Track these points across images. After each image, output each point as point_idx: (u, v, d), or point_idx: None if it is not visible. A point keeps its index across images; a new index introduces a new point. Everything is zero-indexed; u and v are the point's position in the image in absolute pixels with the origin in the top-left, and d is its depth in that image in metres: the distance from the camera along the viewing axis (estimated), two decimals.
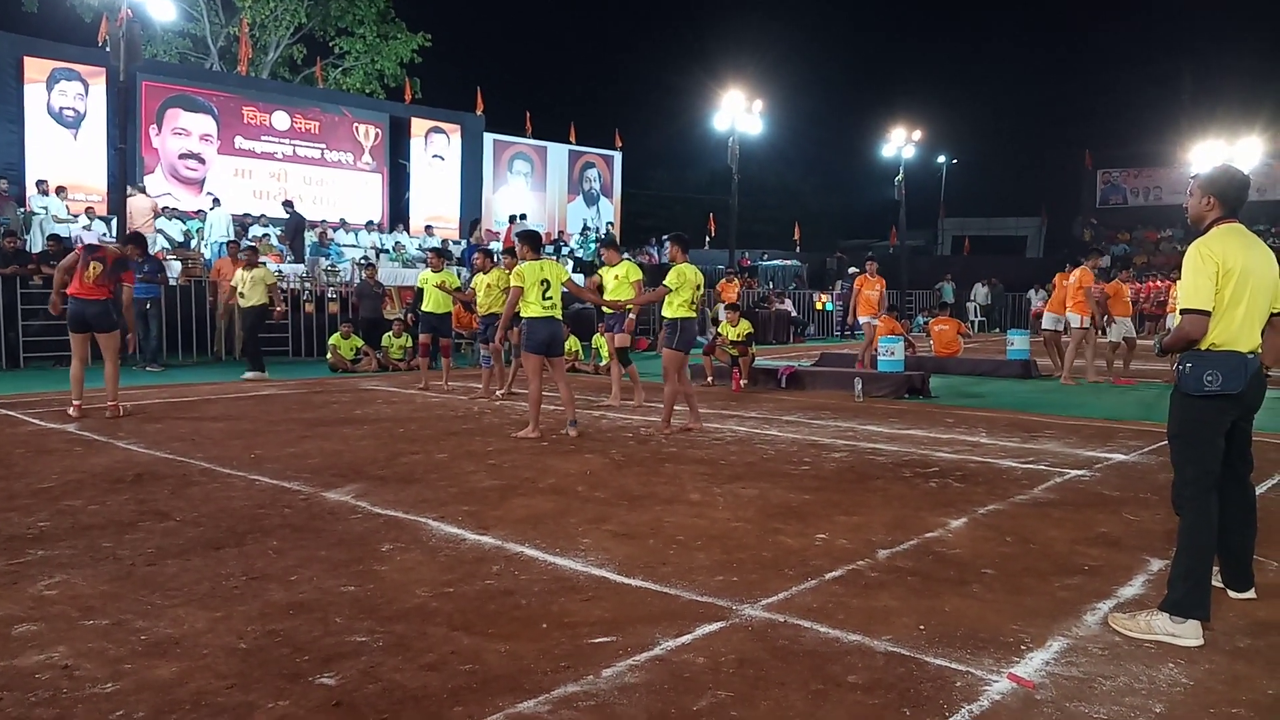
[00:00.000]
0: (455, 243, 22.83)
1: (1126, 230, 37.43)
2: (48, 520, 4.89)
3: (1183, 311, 3.46)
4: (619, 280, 9.90)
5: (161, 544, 4.46)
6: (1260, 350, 3.53)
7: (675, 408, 8.28)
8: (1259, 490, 5.80)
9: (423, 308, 11.76)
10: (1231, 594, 3.78)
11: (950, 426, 8.56)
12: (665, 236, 8.88)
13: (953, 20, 60.58)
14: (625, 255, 10.88)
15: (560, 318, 7.99)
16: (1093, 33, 56.16)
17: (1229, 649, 3.30)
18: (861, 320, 14.32)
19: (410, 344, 13.93)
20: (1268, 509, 5.36)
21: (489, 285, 10.74)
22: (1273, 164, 33.89)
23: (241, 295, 12.71)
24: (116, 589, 3.80)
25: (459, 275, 15.98)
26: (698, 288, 8.33)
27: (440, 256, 12.43)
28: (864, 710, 2.79)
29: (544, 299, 7.79)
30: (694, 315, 8.30)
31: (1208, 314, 3.40)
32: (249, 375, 12.40)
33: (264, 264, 13.44)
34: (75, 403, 8.59)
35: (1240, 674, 3.09)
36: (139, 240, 14.09)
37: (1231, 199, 3.58)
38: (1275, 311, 3.61)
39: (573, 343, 14.95)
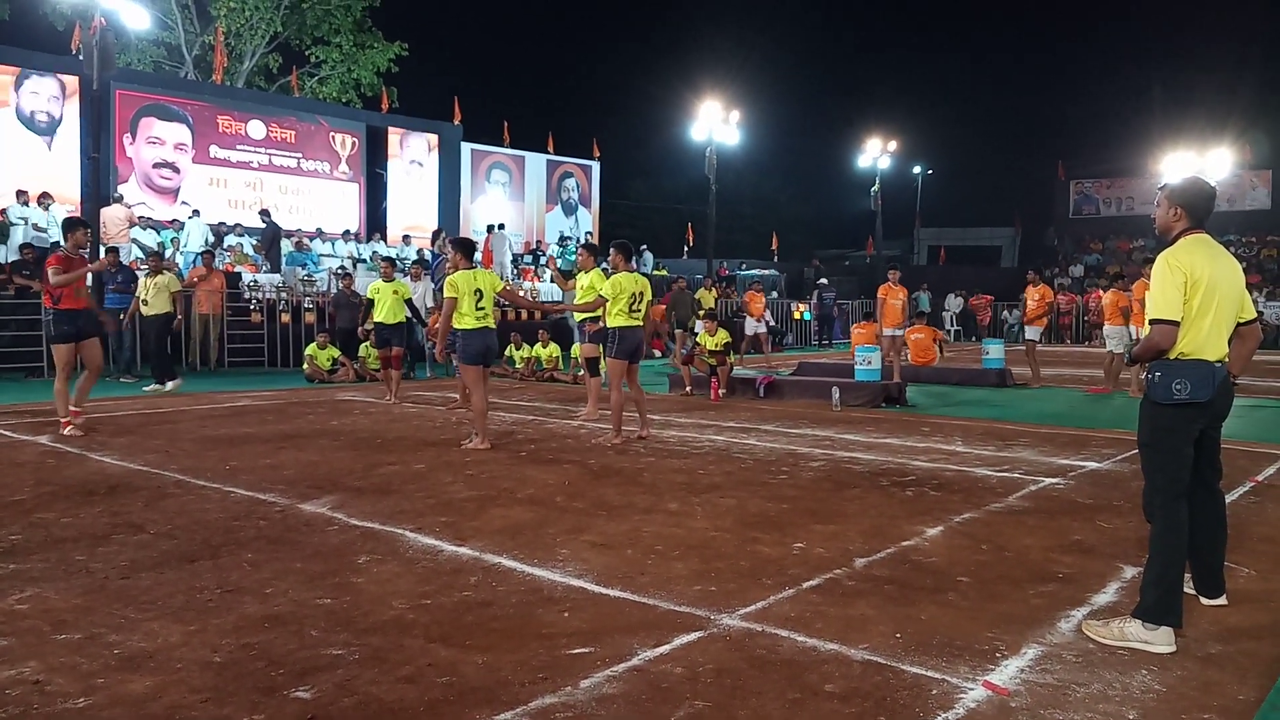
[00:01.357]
0: (431, 252, 22.74)
1: (1099, 240, 37.85)
2: (19, 533, 4.83)
3: (1152, 322, 3.50)
4: (584, 289, 9.82)
5: (135, 557, 4.42)
6: (1227, 359, 3.59)
7: (624, 414, 8.25)
8: (1229, 498, 5.87)
9: (375, 318, 11.37)
10: (1203, 600, 3.83)
11: (927, 435, 8.61)
12: (611, 242, 8.76)
13: (928, 33, 61.23)
14: (603, 264, 10.52)
15: (493, 327, 7.98)
16: (1066, 46, 56.92)
17: (1201, 655, 3.34)
18: (886, 333, 13.74)
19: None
20: (1238, 516, 5.43)
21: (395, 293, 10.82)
22: (1242, 174, 34.43)
23: (145, 303, 12.42)
24: (89, 602, 3.76)
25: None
26: (637, 295, 8.21)
27: (392, 265, 12.09)
28: (841, 719, 2.80)
29: (477, 309, 7.75)
30: (636, 324, 8.20)
31: (1176, 324, 3.45)
32: (157, 388, 11.90)
33: (168, 271, 13.12)
34: (74, 410, 8.31)
35: (1212, 680, 3.13)
36: (113, 251, 14.03)
37: (1199, 210, 3.63)
38: (1241, 321, 3.67)
39: (553, 350, 14.97)
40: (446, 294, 7.77)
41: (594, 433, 8.71)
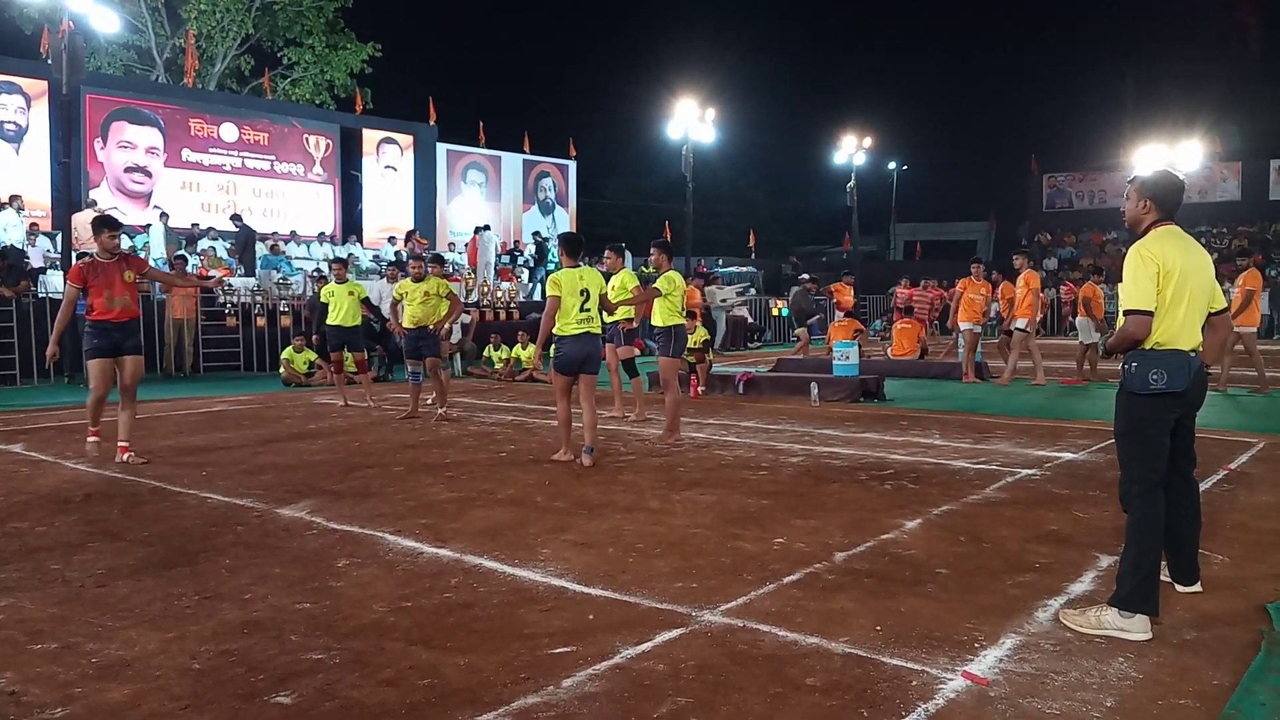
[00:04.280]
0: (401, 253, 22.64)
1: (1072, 233, 38.14)
2: None
3: (1126, 313, 3.54)
4: (614, 290, 9.09)
5: (112, 565, 4.38)
6: (1200, 349, 3.63)
7: (648, 417, 8.28)
8: (1203, 486, 5.93)
9: (330, 321, 10.81)
10: (1179, 588, 3.87)
11: (904, 429, 8.66)
12: (652, 243, 8.60)
13: (900, 29, 61.53)
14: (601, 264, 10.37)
15: (598, 333, 7.19)
16: (1037, 41, 57.33)
17: (1176, 642, 3.38)
18: (963, 326, 13.45)
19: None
20: (1212, 504, 5.50)
21: (426, 294, 9.66)
22: (1213, 166, 34.78)
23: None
24: (66, 611, 3.73)
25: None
26: (684, 295, 8.30)
27: (344, 266, 11.71)
28: (822, 712, 2.81)
29: (581, 311, 6.99)
30: (684, 322, 8.30)
31: (1150, 314, 3.49)
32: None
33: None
34: (96, 427, 7.39)
35: (1188, 666, 3.17)
36: (85, 258, 13.86)
37: (1169, 202, 3.67)
38: (1213, 311, 3.71)
39: (532, 350, 14.91)
40: (550, 292, 6.99)
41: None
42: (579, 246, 7.43)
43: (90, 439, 7.31)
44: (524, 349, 14.88)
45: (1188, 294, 3.53)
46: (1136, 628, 3.38)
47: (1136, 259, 3.54)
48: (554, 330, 7.00)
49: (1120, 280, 3.65)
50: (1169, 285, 3.50)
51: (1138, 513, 3.54)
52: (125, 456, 7.08)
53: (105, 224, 7.25)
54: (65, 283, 7.25)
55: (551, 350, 7.21)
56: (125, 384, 7.19)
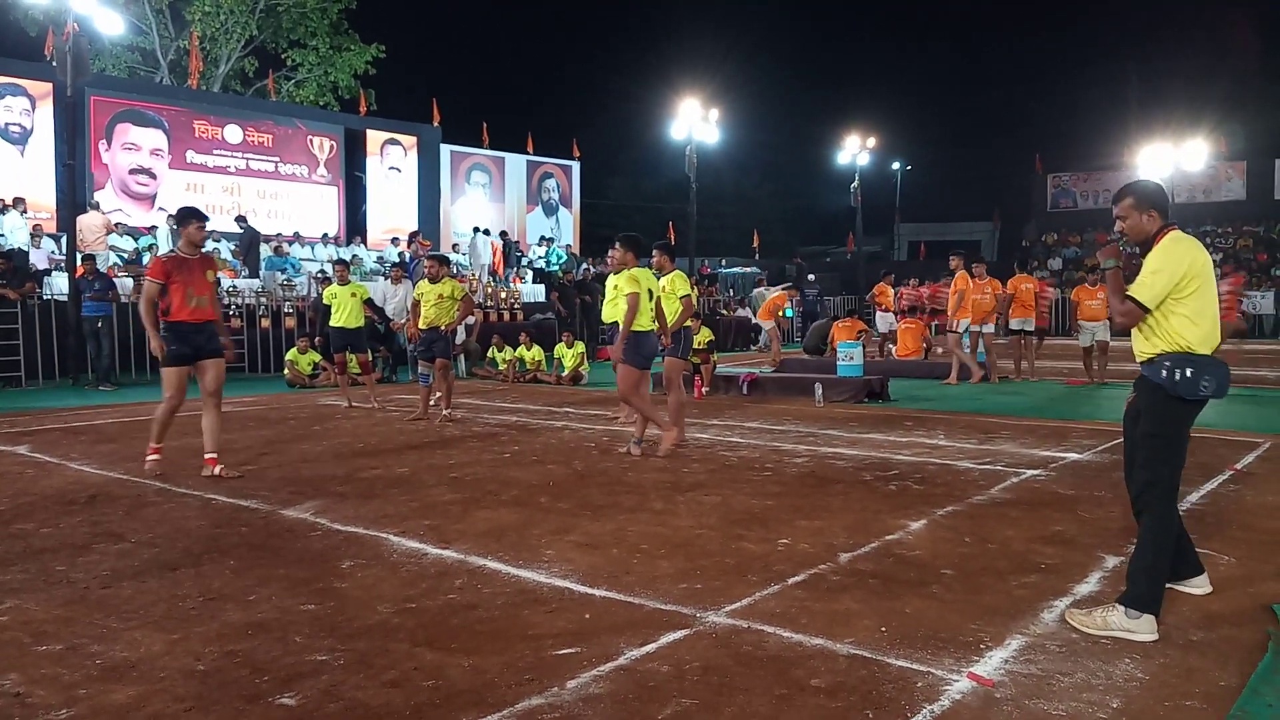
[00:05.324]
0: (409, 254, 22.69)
1: (1077, 233, 38.07)
2: None
3: (1129, 297, 3.52)
4: (666, 293, 8.88)
5: (116, 566, 4.38)
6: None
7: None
8: (1209, 487, 5.95)
9: (333, 323, 10.82)
10: (1188, 587, 3.84)
11: (909, 430, 8.65)
12: (654, 245, 8.50)
13: (904, 29, 61.40)
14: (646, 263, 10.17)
15: (656, 330, 7.66)
16: (1041, 40, 57.23)
17: (1182, 642, 3.37)
18: (1014, 325, 13.47)
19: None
20: (1218, 504, 5.49)
21: (440, 296, 9.63)
22: (1218, 166, 34.69)
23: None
24: (70, 613, 3.73)
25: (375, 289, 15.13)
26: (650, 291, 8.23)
27: (346, 268, 11.72)
28: (827, 713, 2.80)
29: (650, 309, 7.50)
30: (690, 323, 8.29)
31: (1149, 311, 3.49)
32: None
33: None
34: (159, 445, 6.84)
35: (1194, 666, 3.15)
36: (90, 259, 13.91)
37: (1167, 206, 3.67)
38: None
39: (536, 352, 14.94)
40: (629, 289, 7.28)
41: (580, 435, 8.70)
42: (644, 248, 7.79)
43: (151, 457, 6.71)
44: (527, 350, 14.89)
45: (1211, 296, 3.54)
46: (1144, 628, 3.36)
47: (1173, 257, 3.49)
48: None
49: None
50: (1204, 287, 3.50)
51: (1158, 514, 3.50)
52: (215, 470, 6.54)
53: (193, 215, 6.68)
54: (144, 279, 6.61)
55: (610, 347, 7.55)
56: (209, 390, 6.65)
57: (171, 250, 6.71)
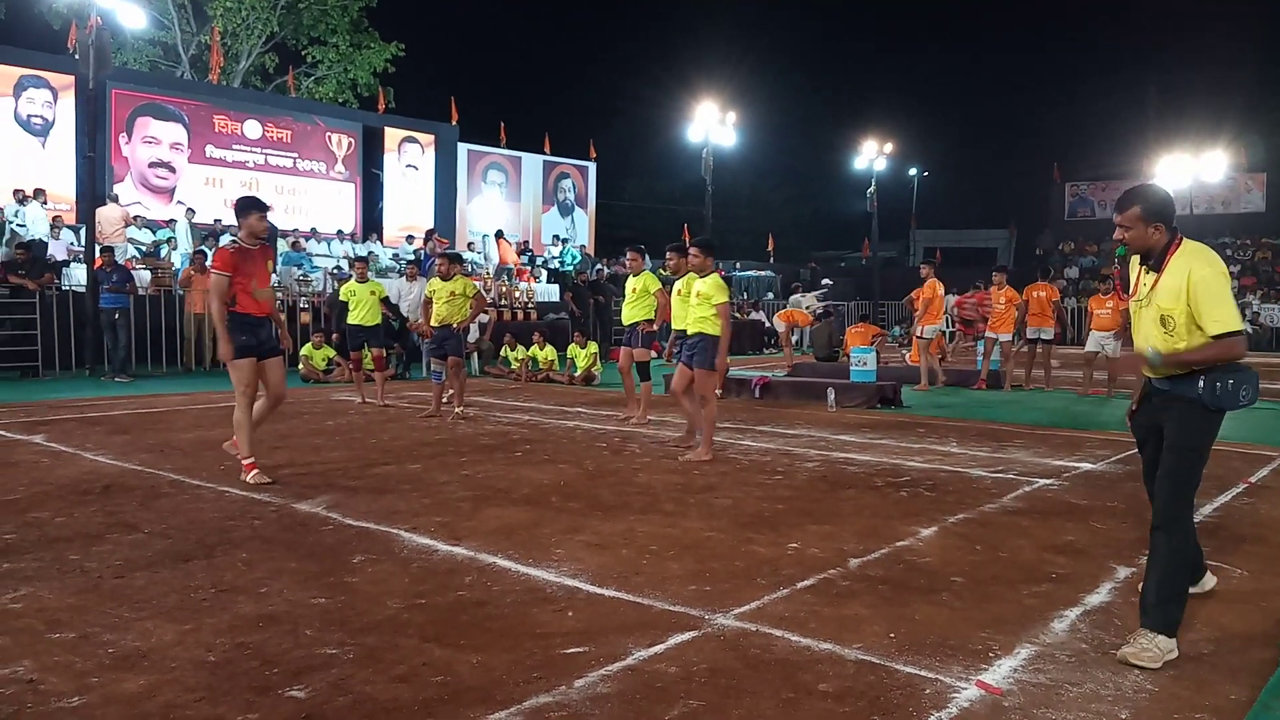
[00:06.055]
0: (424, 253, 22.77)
1: (1094, 242, 37.88)
2: (14, 532, 4.82)
3: (1224, 336, 3.31)
4: (635, 292, 9.35)
5: (129, 556, 4.41)
6: None
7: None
8: (1223, 499, 5.91)
9: (350, 320, 11.01)
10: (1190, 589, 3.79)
11: (921, 436, 8.62)
12: (667, 247, 8.37)
13: (924, 35, 61.24)
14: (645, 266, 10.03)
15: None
16: (1061, 48, 57.04)
17: (1193, 655, 3.34)
18: (1001, 338, 13.36)
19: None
20: (1231, 518, 5.46)
21: (453, 293, 9.60)
22: (1237, 177, 34.47)
23: None
24: (84, 601, 3.76)
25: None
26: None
27: (366, 265, 11.79)
28: (834, 718, 2.80)
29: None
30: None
31: (1243, 334, 3.40)
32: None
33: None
34: (251, 459, 6.26)
35: (1205, 680, 3.14)
36: (108, 251, 14.01)
37: (1173, 217, 3.52)
38: None
39: (549, 351, 14.96)
40: (719, 298, 7.14)
41: (591, 435, 8.71)
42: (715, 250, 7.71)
43: (250, 474, 6.14)
44: (540, 349, 14.91)
45: None
46: (1174, 647, 3.32)
47: (1220, 278, 3.35)
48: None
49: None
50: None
51: (1180, 534, 3.38)
52: (249, 476, 6.15)
53: (254, 205, 6.26)
54: (211, 272, 6.15)
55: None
56: (277, 392, 6.33)
57: (234, 241, 6.29)
